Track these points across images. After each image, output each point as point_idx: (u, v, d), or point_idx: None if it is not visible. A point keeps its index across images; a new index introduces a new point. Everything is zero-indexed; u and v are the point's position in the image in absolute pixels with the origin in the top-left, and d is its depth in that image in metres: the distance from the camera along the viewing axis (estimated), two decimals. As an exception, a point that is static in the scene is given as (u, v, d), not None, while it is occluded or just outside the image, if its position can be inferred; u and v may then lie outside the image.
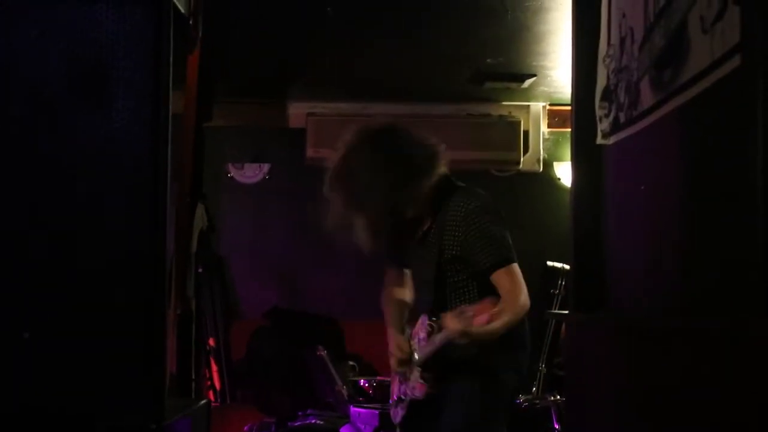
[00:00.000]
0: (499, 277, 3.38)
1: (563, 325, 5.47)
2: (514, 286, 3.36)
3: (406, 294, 3.76)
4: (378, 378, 5.60)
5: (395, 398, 3.66)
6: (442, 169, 3.55)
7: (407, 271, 3.78)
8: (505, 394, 3.55)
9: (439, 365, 3.43)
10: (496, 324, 3.24)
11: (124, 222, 3.37)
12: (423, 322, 3.49)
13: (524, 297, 3.36)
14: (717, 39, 2.37)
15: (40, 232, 3.37)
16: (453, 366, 3.43)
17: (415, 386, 3.47)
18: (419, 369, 3.47)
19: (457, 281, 3.48)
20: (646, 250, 3.08)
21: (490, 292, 3.37)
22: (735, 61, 2.26)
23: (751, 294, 2.11)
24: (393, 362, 3.61)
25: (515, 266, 3.40)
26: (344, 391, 5.69)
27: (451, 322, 3.19)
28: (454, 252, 3.45)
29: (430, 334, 3.41)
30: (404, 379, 3.57)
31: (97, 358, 3.35)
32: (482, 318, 3.16)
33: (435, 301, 3.49)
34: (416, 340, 3.52)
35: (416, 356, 3.50)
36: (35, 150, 3.39)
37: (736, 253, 2.29)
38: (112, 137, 3.37)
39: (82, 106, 3.36)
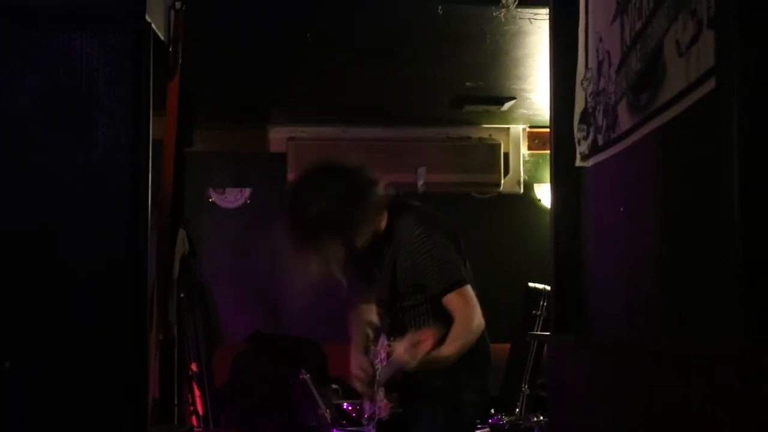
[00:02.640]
0: (450, 301, 3.38)
1: (545, 346, 5.48)
2: (467, 308, 3.36)
3: (373, 312, 3.75)
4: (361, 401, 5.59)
5: (367, 416, 3.66)
6: (382, 189, 3.52)
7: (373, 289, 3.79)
8: (468, 415, 3.56)
9: (403, 386, 3.44)
10: (450, 349, 3.25)
11: (104, 248, 3.38)
12: (382, 343, 3.51)
13: (478, 318, 3.37)
14: (692, 62, 2.39)
15: (19, 260, 3.37)
16: (417, 387, 3.44)
17: (381, 406, 3.48)
18: (383, 389, 3.47)
19: (412, 305, 3.49)
20: (625, 271, 3.10)
21: (444, 314, 3.38)
22: (710, 84, 2.28)
23: (731, 315, 2.13)
24: (355, 383, 3.62)
25: (467, 288, 3.40)
26: (327, 415, 5.69)
27: (399, 351, 3.22)
28: (406, 278, 3.46)
29: (389, 355, 3.42)
30: (372, 399, 3.58)
31: (79, 385, 3.34)
32: (426, 345, 3.15)
33: (392, 323, 3.52)
34: (378, 360, 3.54)
35: (378, 376, 3.50)
36: (15, 177, 3.39)
37: (715, 274, 2.30)
38: (93, 164, 3.38)
39: (62, 134, 3.37)
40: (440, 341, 3.22)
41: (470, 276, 3.51)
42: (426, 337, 3.17)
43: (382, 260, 3.54)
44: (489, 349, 3.60)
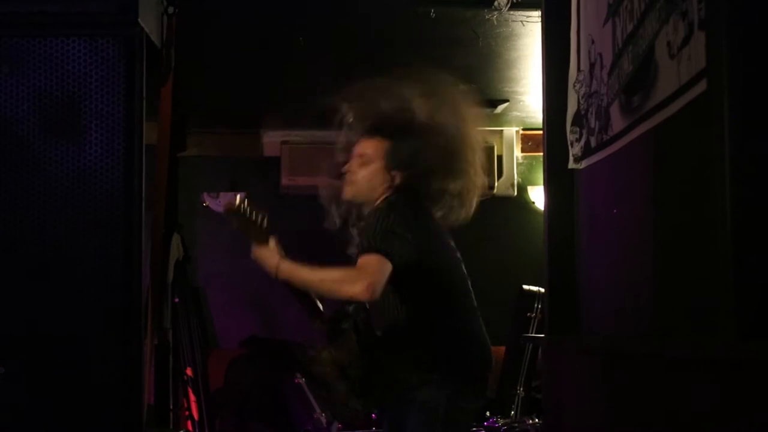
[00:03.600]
0: (360, 260, 3.22)
1: (540, 349, 5.49)
2: (360, 270, 3.19)
3: None
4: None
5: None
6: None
7: None
8: (465, 422, 3.52)
9: (395, 392, 3.40)
10: (314, 273, 3.26)
11: (98, 254, 3.37)
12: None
13: (360, 283, 3.16)
14: (684, 64, 2.40)
15: (13, 265, 3.36)
16: (411, 394, 3.39)
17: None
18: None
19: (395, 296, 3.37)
20: (618, 273, 3.11)
21: (409, 293, 3.35)
22: (701, 86, 2.29)
23: (723, 316, 2.14)
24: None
25: (381, 258, 3.19)
26: (323, 419, 5.68)
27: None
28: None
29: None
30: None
31: (73, 391, 3.34)
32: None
33: None
34: None
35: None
36: (7, 182, 3.39)
37: (708, 275, 2.31)
38: (86, 169, 3.37)
39: (55, 139, 3.37)
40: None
41: (462, 280, 3.47)
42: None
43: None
44: (490, 355, 3.53)
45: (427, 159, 3.40)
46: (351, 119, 3.55)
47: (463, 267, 3.50)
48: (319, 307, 3.48)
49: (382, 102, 3.51)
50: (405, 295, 3.36)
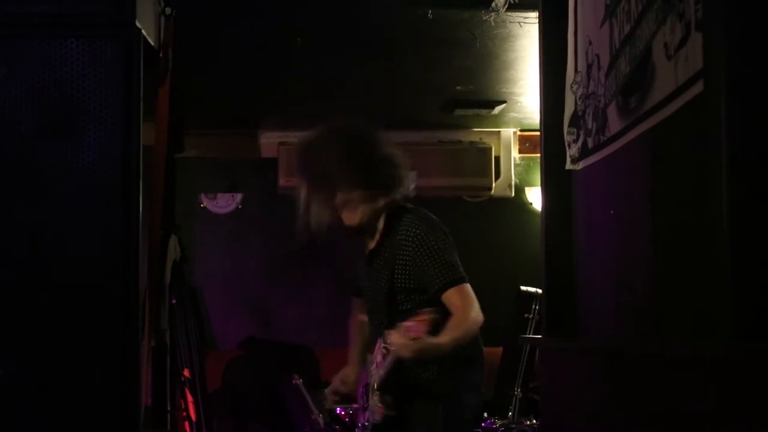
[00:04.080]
0: (449, 296, 3.40)
1: (538, 350, 5.49)
2: (465, 303, 3.39)
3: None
4: (354, 406, 5.58)
5: (360, 425, 3.68)
6: (401, 195, 3.57)
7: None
8: (468, 414, 3.57)
9: (399, 388, 3.44)
10: (446, 338, 3.28)
11: (96, 255, 3.37)
12: (379, 346, 3.51)
13: (476, 313, 3.39)
14: (681, 65, 2.40)
15: (9, 267, 3.36)
16: (414, 389, 3.44)
17: (375, 410, 3.48)
18: (378, 393, 3.47)
19: (410, 308, 3.46)
20: (616, 274, 3.11)
21: (425, 297, 3.41)
22: (698, 87, 2.29)
23: (720, 317, 2.14)
24: (329, 394, 3.65)
25: (467, 286, 3.43)
26: (320, 420, 5.68)
27: (396, 339, 3.23)
28: (405, 280, 3.48)
29: (384, 357, 3.43)
30: (364, 407, 3.60)
31: (71, 392, 3.34)
32: (418, 331, 3.17)
33: (389, 325, 3.49)
34: (374, 366, 3.54)
35: (373, 380, 3.51)
36: (4, 184, 3.39)
37: (706, 276, 2.31)
38: (83, 170, 3.37)
39: (52, 140, 3.37)
40: (435, 328, 3.24)
41: None
42: (417, 323, 3.19)
43: (374, 259, 3.55)
44: (482, 350, 3.62)
45: (380, 166, 3.54)
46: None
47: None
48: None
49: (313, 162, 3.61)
50: (423, 301, 3.45)
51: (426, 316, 3.22)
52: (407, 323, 3.22)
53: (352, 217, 3.53)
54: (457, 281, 3.41)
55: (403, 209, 3.57)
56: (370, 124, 3.70)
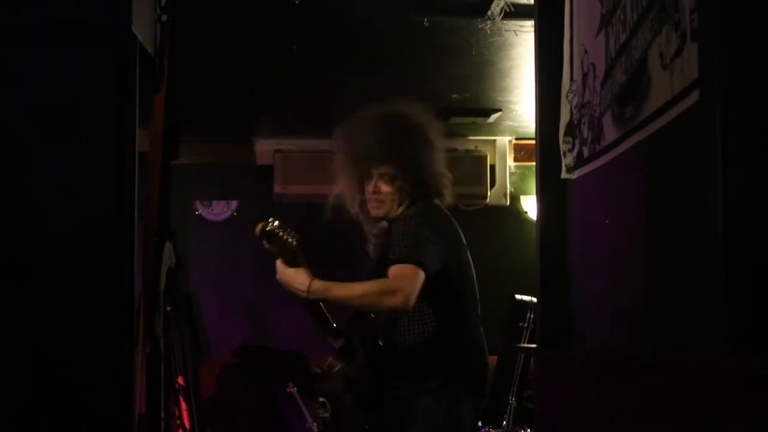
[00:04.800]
0: (392, 270, 3.31)
1: (532, 359, 5.48)
2: (396, 280, 3.28)
3: None
4: (348, 414, 5.57)
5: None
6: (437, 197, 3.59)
7: None
8: (464, 428, 3.56)
9: (393, 402, 3.43)
10: (353, 288, 3.31)
11: (90, 262, 3.37)
12: None
13: (400, 290, 3.26)
14: (676, 75, 2.40)
15: (3, 273, 3.36)
16: (409, 405, 3.43)
17: None
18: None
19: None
20: (611, 283, 3.11)
21: (435, 300, 3.37)
22: (694, 97, 2.30)
23: (714, 326, 2.14)
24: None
25: (416, 269, 3.29)
26: (315, 428, 5.67)
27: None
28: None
29: None
30: None
31: (65, 399, 3.33)
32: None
33: None
34: None
35: None
36: None
37: (700, 285, 2.31)
38: (78, 177, 3.37)
39: (47, 147, 3.36)
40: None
41: (473, 290, 3.55)
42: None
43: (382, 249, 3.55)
44: (488, 365, 3.60)
45: (415, 153, 3.59)
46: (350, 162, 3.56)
47: (474, 278, 3.57)
48: (333, 325, 3.49)
49: (364, 138, 3.53)
50: (417, 303, 3.39)
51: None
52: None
53: (379, 207, 3.52)
54: (407, 259, 3.30)
55: (416, 202, 3.54)
56: (431, 119, 3.75)
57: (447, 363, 3.44)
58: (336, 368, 3.48)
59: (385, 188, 3.51)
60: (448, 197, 3.64)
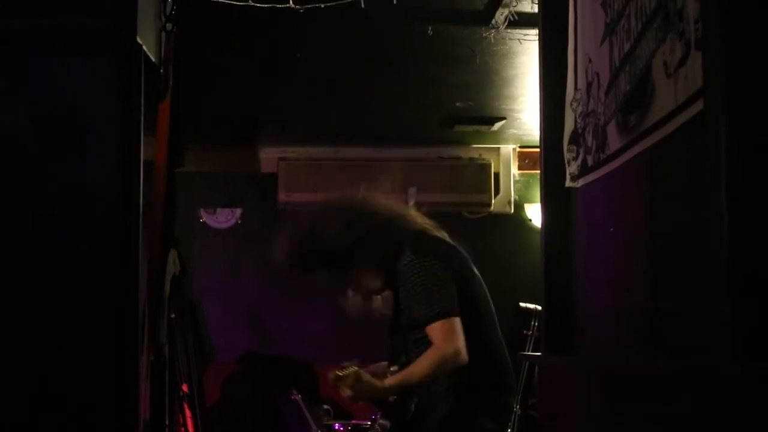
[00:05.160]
0: (431, 330, 3.38)
1: (537, 367, 5.48)
2: (444, 339, 3.35)
3: None
4: (353, 422, 5.59)
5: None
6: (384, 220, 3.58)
7: None
8: None
9: (409, 412, 3.46)
10: (415, 368, 3.36)
11: (96, 269, 3.38)
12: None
13: (451, 350, 3.34)
14: (680, 84, 2.41)
15: (10, 281, 3.37)
16: (427, 415, 3.45)
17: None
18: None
19: (419, 338, 3.47)
20: (616, 292, 3.11)
21: None
22: (698, 106, 2.30)
23: (719, 334, 2.14)
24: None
25: (451, 320, 3.37)
26: (319, 436, 5.67)
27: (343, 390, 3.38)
28: (405, 309, 3.49)
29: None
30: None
31: (70, 407, 3.34)
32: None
33: (399, 355, 3.54)
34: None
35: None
36: (5, 199, 3.39)
37: (704, 293, 2.31)
38: (84, 186, 3.38)
39: (53, 155, 3.38)
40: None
41: (481, 293, 3.57)
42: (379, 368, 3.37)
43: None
44: (509, 376, 3.61)
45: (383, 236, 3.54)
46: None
47: (487, 292, 3.59)
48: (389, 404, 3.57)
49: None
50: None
51: (344, 371, 3.34)
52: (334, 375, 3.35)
53: (372, 283, 3.59)
54: (440, 315, 3.37)
55: (401, 240, 3.54)
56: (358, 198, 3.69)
57: (464, 375, 3.46)
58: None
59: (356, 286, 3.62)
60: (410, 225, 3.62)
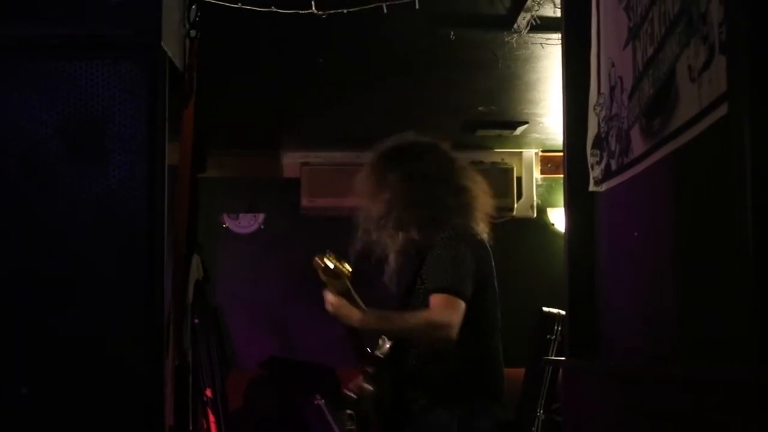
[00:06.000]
0: (432, 299, 3.35)
1: (560, 371, 5.47)
2: (440, 309, 3.31)
3: None
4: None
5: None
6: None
7: None
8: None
9: (411, 410, 3.46)
10: (392, 315, 3.39)
11: (121, 276, 3.39)
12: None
13: (446, 320, 3.29)
14: (704, 88, 2.40)
15: (36, 287, 3.39)
16: (423, 418, 3.44)
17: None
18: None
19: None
20: (640, 296, 3.10)
21: (466, 323, 3.39)
22: (722, 110, 2.29)
23: (744, 340, 2.13)
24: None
25: (455, 299, 3.33)
26: (342, 441, 5.68)
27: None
28: (422, 287, 3.48)
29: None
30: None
31: (96, 412, 3.35)
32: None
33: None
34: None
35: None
36: (30, 206, 3.41)
37: (729, 298, 2.31)
38: (108, 192, 3.39)
39: (77, 162, 3.39)
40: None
41: (493, 298, 3.54)
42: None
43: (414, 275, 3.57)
44: (503, 375, 3.60)
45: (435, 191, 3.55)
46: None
47: (497, 292, 3.57)
48: (367, 350, 3.53)
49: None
50: None
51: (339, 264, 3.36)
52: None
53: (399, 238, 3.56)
54: (447, 290, 3.33)
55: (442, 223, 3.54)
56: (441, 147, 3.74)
57: (462, 374, 3.45)
58: (367, 392, 3.52)
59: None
60: (481, 213, 3.62)
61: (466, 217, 3.56)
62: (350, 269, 3.45)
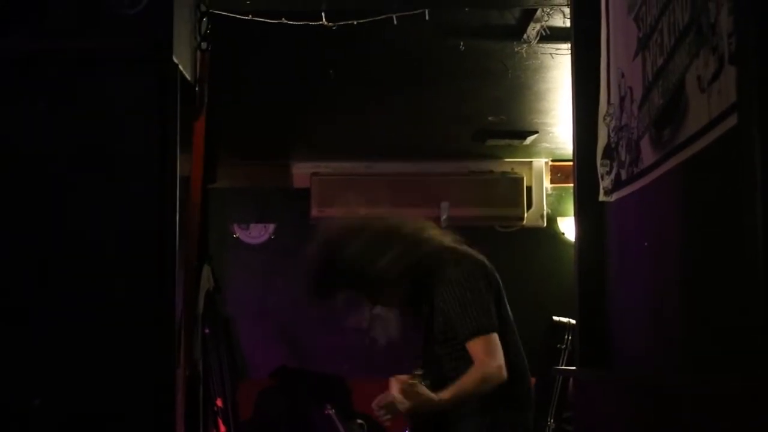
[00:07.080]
0: (471, 347, 3.39)
1: (571, 380, 5.47)
2: (485, 357, 3.36)
3: None
4: None
5: None
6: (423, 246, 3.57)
7: None
8: None
9: (433, 425, 3.47)
10: (448, 393, 3.33)
11: (133, 286, 3.41)
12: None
13: (494, 368, 3.35)
14: (714, 98, 2.41)
15: (50, 298, 3.41)
16: (457, 419, 3.46)
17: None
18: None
19: (449, 353, 3.49)
20: (650, 306, 3.10)
21: None
22: (732, 120, 2.30)
23: (755, 353, 2.13)
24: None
25: (491, 336, 3.39)
26: (353, 450, 5.68)
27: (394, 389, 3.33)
28: (441, 323, 3.48)
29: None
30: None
31: (109, 422, 3.37)
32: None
33: (428, 370, 3.50)
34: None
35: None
36: (44, 215, 3.44)
37: (740, 309, 2.31)
38: (121, 201, 3.42)
39: (89, 173, 3.42)
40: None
41: (506, 308, 3.55)
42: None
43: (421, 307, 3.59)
44: (531, 395, 3.61)
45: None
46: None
47: (506, 301, 3.59)
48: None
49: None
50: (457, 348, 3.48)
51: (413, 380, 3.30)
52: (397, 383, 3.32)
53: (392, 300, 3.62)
54: (481, 331, 3.38)
55: (438, 254, 3.56)
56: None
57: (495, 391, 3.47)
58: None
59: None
60: (447, 238, 3.63)
61: (439, 253, 3.56)
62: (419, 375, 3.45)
